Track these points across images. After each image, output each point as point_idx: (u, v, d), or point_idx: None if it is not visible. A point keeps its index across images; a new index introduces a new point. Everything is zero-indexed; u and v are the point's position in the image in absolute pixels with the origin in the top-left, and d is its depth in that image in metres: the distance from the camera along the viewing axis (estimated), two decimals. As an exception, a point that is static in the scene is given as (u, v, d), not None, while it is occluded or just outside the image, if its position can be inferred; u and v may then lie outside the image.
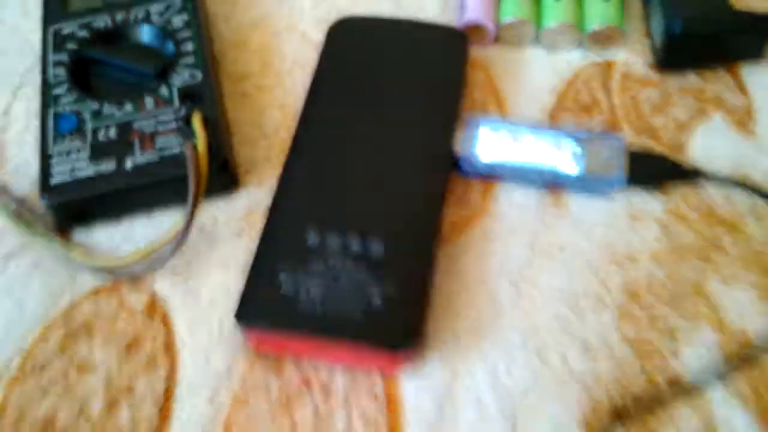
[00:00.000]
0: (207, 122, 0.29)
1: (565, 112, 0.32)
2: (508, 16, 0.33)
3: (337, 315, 0.24)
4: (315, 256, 0.25)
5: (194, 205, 0.27)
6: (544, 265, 0.28)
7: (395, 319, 0.24)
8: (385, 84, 0.31)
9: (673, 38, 0.31)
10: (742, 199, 0.28)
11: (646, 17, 0.34)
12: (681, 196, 0.29)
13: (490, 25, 0.33)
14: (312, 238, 0.26)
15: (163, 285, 0.28)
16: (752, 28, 0.30)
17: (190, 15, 0.33)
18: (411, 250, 0.26)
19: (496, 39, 0.34)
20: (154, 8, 0.33)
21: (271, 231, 0.26)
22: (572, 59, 0.33)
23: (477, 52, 0.34)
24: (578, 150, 0.29)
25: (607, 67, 0.33)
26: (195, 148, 0.27)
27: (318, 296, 0.25)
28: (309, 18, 0.35)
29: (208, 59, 0.31)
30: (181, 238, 0.27)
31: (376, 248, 0.26)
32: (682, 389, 0.24)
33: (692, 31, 0.30)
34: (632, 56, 0.33)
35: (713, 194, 0.29)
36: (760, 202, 0.28)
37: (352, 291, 0.25)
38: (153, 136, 0.29)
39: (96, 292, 0.28)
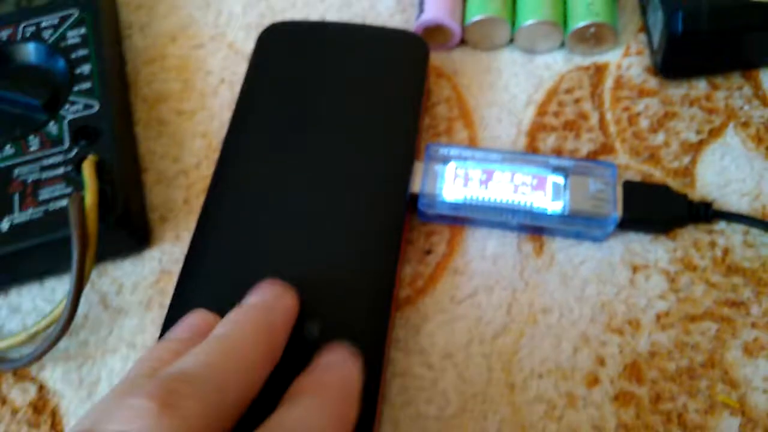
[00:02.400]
0: (103, 166, 0.23)
1: (546, 132, 0.26)
2: (476, 13, 0.28)
3: (261, 418, 0.19)
4: (232, 343, 0.20)
5: (80, 275, 0.21)
6: (525, 333, 0.22)
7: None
8: (327, 104, 0.25)
9: (675, 37, 0.25)
10: (765, 241, 0.23)
11: (643, 11, 0.28)
12: (691, 239, 0.23)
13: (453, 26, 0.28)
14: (228, 318, 0.21)
15: (52, 374, 0.22)
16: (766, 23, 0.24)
17: (89, 28, 0.27)
18: (358, 328, 0.20)
19: (463, 42, 0.29)
20: (46, 21, 0.27)
21: (179, 308, 0.21)
22: (554, 64, 0.28)
23: (441, 59, 0.28)
24: (561, 183, 0.24)
25: (597, 72, 0.27)
26: (82, 201, 0.22)
27: (234, 398, 0.19)
28: (238, 25, 0.29)
29: (111, 84, 0.26)
30: (67, 317, 0.21)
31: (312, 328, 0.20)
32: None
33: (698, 29, 0.24)
34: (627, 59, 0.28)
35: (730, 236, 0.23)
36: (787, 243, 0.23)
37: (278, 387, 0.19)
38: (36, 186, 0.23)
39: (-28, 385, 0.23)
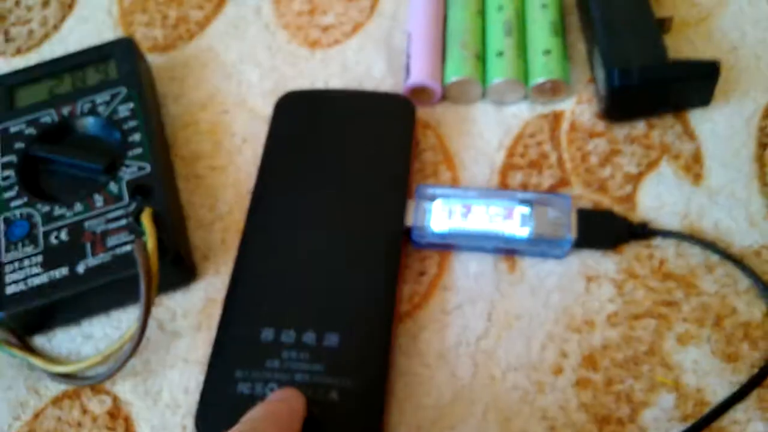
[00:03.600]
0: (157, 217, 0.29)
1: (514, 170, 0.32)
2: (453, 75, 0.33)
3: (294, 414, 0.24)
4: (270, 353, 0.25)
5: (147, 305, 0.27)
6: (502, 335, 0.28)
7: (354, 413, 0.24)
8: (334, 159, 0.31)
9: (614, 90, 0.31)
10: (693, 252, 0.29)
11: (591, 66, 0.34)
12: (633, 253, 0.29)
13: (435, 87, 0.34)
14: (266, 334, 0.26)
15: (124, 387, 0.28)
16: (689, 76, 0.30)
17: (136, 103, 0.33)
18: (368, 338, 0.26)
19: (445, 98, 0.34)
20: (100, 98, 0.33)
21: (225, 329, 0.27)
22: (520, 113, 0.34)
23: (426, 113, 0.34)
24: (527, 213, 0.29)
25: (555, 118, 0.33)
26: (144, 246, 0.28)
27: (274, 395, 0.25)
28: (256, 92, 0.35)
29: (157, 148, 0.32)
30: (137, 339, 0.27)
31: (332, 339, 0.26)
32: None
33: (630, 83, 0.30)
34: (579, 106, 0.33)
35: (664, 249, 0.29)
36: (710, 254, 0.28)
37: (308, 387, 0.25)
38: (104, 235, 0.29)
39: (57, 400, 0.28)
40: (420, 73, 0.34)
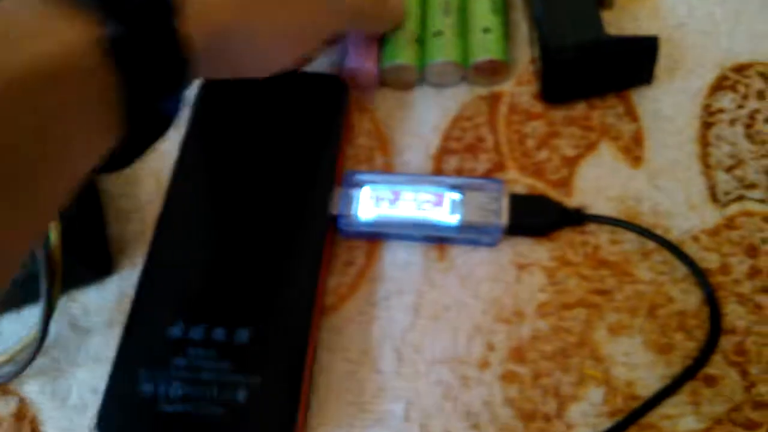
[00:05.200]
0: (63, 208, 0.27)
1: (450, 155, 0.30)
2: (390, 61, 0.32)
3: (198, 415, 0.23)
4: (177, 350, 0.24)
5: (49, 304, 0.25)
6: (428, 327, 0.26)
7: (264, 412, 0.23)
8: (258, 145, 0.29)
9: (550, 69, 0.29)
10: (628, 238, 0.27)
11: (532, 44, 0.33)
12: (566, 239, 0.27)
13: (372, 71, 0.32)
14: (174, 331, 0.24)
15: (31, 388, 0.26)
16: (626, 52, 0.29)
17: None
18: (283, 333, 0.25)
19: (383, 83, 0.33)
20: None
21: (133, 325, 0.25)
22: (458, 94, 0.32)
23: (363, 98, 0.32)
24: (457, 199, 0.28)
25: (493, 100, 0.32)
26: (47, 241, 0.26)
27: (179, 395, 0.23)
28: (183, 76, 0.34)
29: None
30: (39, 340, 0.25)
31: (242, 335, 0.24)
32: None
33: (565, 60, 0.29)
34: (519, 87, 0.32)
35: (599, 235, 0.27)
36: (646, 240, 0.27)
37: (214, 385, 0.23)
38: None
39: (-38, 401, 0.27)
40: (358, 58, 0.32)
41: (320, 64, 0.33)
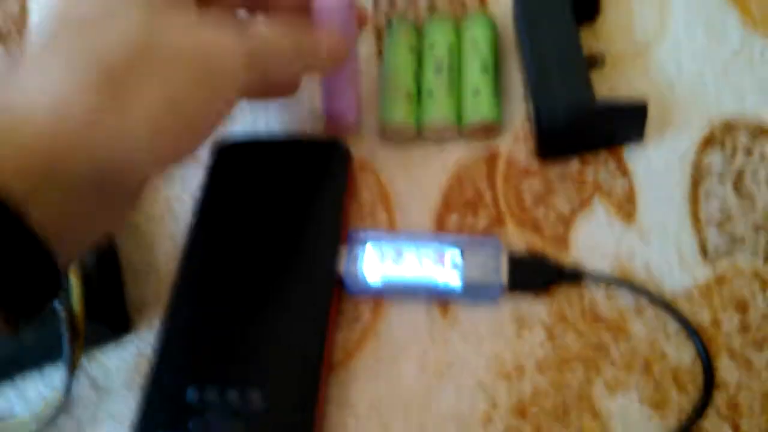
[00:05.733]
0: (86, 270, 0.29)
1: (451, 212, 0.32)
2: (387, 119, 0.33)
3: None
4: (195, 415, 0.25)
5: (72, 366, 0.27)
6: (433, 385, 0.28)
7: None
8: (267, 208, 0.31)
9: (543, 129, 0.31)
10: (624, 296, 0.28)
11: (526, 100, 0.34)
12: (565, 297, 0.29)
13: (348, 116, 0.33)
14: (191, 395, 0.26)
15: (53, 447, 0.28)
16: (616, 117, 0.30)
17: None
18: (294, 394, 0.26)
19: (383, 137, 0.34)
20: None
21: (150, 388, 0.26)
22: (457, 151, 0.33)
23: (365, 153, 0.34)
24: (458, 259, 0.29)
25: (491, 157, 0.33)
26: (70, 304, 0.27)
27: (197, 459, 0.24)
28: (194, 137, 0.35)
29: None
30: (64, 399, 0.27)
31: (256, 400, 0.25)
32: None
33: (557, 123, 0.30)
34: (517, 144, 0.33)
35: (595, 293, 0.29)
36: (640, 298, 0.28)
37: (230, 448, 0.25)
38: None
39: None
40: (330, 104, 0.33)
41: (300, 110, 0.35)
